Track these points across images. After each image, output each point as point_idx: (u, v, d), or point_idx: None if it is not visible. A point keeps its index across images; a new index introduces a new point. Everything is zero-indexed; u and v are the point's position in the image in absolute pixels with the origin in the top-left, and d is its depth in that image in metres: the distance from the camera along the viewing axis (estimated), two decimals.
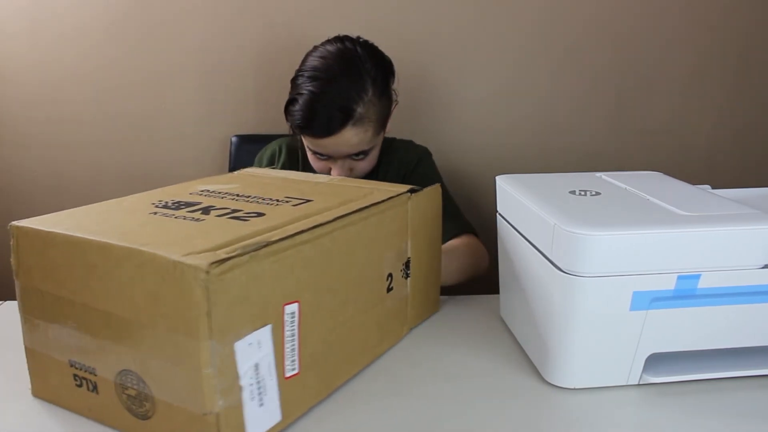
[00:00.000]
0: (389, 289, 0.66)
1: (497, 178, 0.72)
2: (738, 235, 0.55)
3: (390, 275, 0.66)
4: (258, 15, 1.30)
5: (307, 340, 0.53)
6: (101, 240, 0.48)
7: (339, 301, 0.58)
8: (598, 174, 0.73)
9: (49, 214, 0.56)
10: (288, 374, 0.52)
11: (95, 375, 0.52)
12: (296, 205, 0.60)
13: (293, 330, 0.52)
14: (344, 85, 0.93)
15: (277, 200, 0.61)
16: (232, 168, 1.32)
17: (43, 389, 0.58)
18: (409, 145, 1.17)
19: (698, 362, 0.61)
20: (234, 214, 0.56)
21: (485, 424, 0.55)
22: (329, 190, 0.67)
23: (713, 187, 0.71)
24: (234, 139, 1.33)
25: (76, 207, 0.59)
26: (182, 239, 0.49)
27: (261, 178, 0.73)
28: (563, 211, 0.58)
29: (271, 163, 1.14)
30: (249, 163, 1.18)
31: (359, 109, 0.92)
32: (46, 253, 0.52)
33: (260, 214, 0.56)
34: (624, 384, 0.60)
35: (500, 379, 0.62)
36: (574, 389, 0.60)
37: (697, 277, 0.55)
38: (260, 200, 0.61)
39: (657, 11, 1.33)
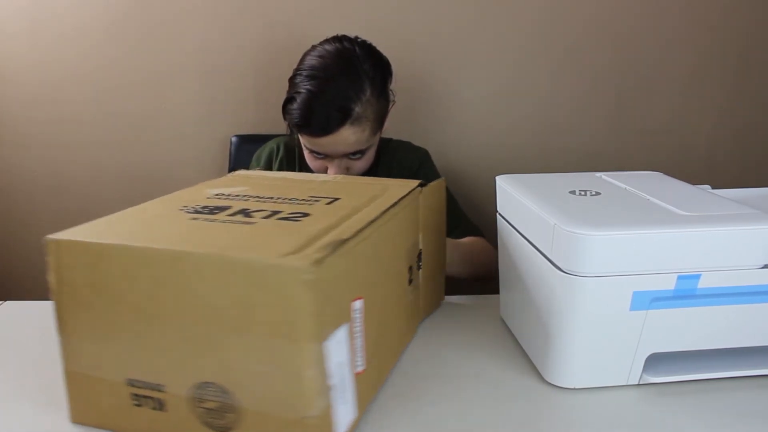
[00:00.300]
0: (410, 281, 0.67)
1: (497, 178, 0.72)
2: (738, 235, 0.55)
3: (411, 268, 0.66)
4: (258, 15, 1.30)
5: (366, 334, 0.53)
6: (175, 249, 0.46)
7: (384, 295, 0.59)
8: (598, 174, 0.73)
9: (79, 226, 0.51)
10: (357, 370, 0.52)
11: (163, 391, 0.49)
12: (329, 203, 0.59)
13: (359, 326, 0.51)
14: (342, 84, 0.93)
15: (305, 200, 0.60)
16: (232, 168, 1.32)
17: (86, 414, 0.54)
18: (408, 146, 1.17)
19: (698, 362, 0.61)
20: (278, 216, 0.54)
21: (485, 424, 0.55)
22: (345, 188, 0.67)
23: (713, 187, 0.71)
24: (234, 139, 1.33)
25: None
26: (257, 243, 0.47)
27: (263, 179, 0.72)
28: (563, 211, 0.58)
29: (269, 161, 1.15)
30: (249, 163, 1.19)
31: (357, 109, 0.92)
32: (99, 267, 0.48)
33: (305, 214, 0.55)
34: (624, 384, 0.60)
35: (500, 379, 0.62)
36: (574, 389, 0.60)
37: (697, 277, 0.55)
38: (289, 201, 0.60)
39: (657, 11, 1.33)
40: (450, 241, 0.85)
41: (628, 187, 0.67)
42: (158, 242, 0.47)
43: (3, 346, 0.68)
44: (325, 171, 1.01)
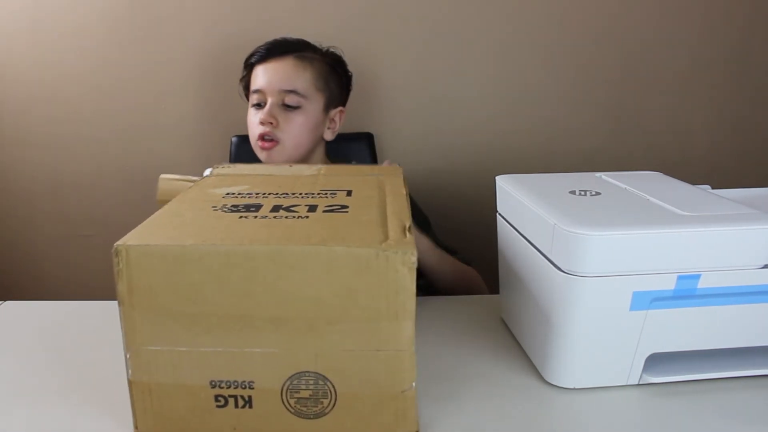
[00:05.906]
0: None
1: (497, 178, 0.72)
2: (738, 235, 0.54)
3: None
4: (258, 14, 1.30)
5: None
6: (270, 246, 0.46)
7: None
8: (598, 174, 0.73)
9: (134, 231, 0.48)
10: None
11: (251, 389, 0.49)
12: (348, 195, 0.60)
13: None
14: (299, 40, 1.08)
15: (323, 193, 0.60)
16: None
17: (157, 422, 0.51)
18: None
19: (698, 362, 0.61)
20: (321, 210, 0.55)
21: (485, 424, 0.55)
22: (345, 180, 0.66)
23: (713, 187, 0.71)
24: (234, 139, 1.33)
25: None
26: (340, 234, 0.48)
27: (251, 177, 0.69)
28: (563, 211, 0.58)
29: None
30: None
31: (305, 52, 1.05)
32: (180, 271, 0.46)
33: (344, 206, 0.56)
34: (624, 384, 0.60)
35: (500, 379, 0.62)
36: (574, 389, 0.60)
37: (697, 277, 0.55)
38: (308, 195, 0.60)
39: (657, 12, 1.34)
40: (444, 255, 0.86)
41: (628, 187, 0.67)
42: (242, 241, 0.47)
43: (3, 346, 0.68)
44: (260, 124, 1.02)
